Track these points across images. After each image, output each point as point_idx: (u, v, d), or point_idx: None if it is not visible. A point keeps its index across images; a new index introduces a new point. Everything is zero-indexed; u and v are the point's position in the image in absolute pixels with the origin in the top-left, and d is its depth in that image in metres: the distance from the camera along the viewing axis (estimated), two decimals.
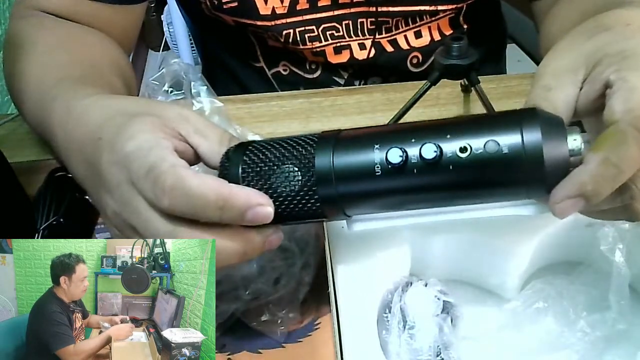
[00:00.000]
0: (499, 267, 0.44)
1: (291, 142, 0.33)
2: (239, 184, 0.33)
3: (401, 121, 0.56)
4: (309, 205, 0.32)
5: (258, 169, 0.33)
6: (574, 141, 0.30)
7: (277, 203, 0.32)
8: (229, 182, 0.32)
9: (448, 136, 0.31)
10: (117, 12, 0.61)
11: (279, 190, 0.32)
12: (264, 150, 0.33)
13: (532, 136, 0.29)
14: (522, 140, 0.29)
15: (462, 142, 0.30)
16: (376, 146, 0.31)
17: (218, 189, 0.31)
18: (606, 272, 0.42)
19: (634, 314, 0.42)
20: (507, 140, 0.30)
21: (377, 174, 0.31)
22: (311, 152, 0.32)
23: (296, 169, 0.32)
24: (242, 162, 0.33)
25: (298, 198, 0.32)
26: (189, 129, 0.35)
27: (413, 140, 0.31)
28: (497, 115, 0.32)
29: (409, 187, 0.32)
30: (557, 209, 0.31)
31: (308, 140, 0.33)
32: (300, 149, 0.33)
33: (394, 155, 0.31)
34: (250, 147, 0.34)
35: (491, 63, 0.83)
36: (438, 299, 0.41)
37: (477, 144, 0.30)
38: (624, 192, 0.31)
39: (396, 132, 0.32)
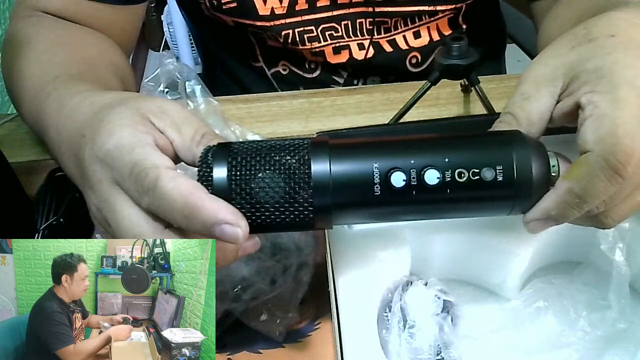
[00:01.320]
0: (499, 267, 0.44)
1: (280, 146, 0.32)
2: (222, 188, 0.31)
3: (401, 120, 0.56)
4: (301, 215, 0.32)
5: (245, 172, 0.31)
6: (553, 167, 0.34)
7: (264, 210, 0.31)
8: (208, 186, 0.31)
9: (446, 160, 0.32)
10: (117, 13, 0.61)
11: (267, 197, 0.31)
12: (251, 154, 0.32)
13: (524, 166, 0.33)
14: (515, 169, 0.33)
15: (460, 168, 0.32)
16: (375, 165, 0.32)
17: (188, 197, 0.30)
18: (606, 271, 0.42)
19: (634, 313, 0.42)
20: (502, 169, 0.32)
21: (377, 193, 0.32)
22: (306, 159, 0.32)
23: (289, 176, 0.31)
24: (227, 164, 0.32)
25: (289, 207, 0.31)
26: (166, 121, 0.34)
27: (413, 162, 0.32)
28: (490, 138, 0.34)
29: (406, 207, 0.33)
30: (527, 227, 0.36)
31: (299, 146, 0.32)
32: (293, 155, 0.32)
33: (398, 180, 0.32)
34: (234, 149, 0.32)
35: (491, 62, 0.83)
36: (438, 298, 0.41)
37: (474, 170, 0.32)
38: (591, 211, 0.35)
39: (393, 149, 0.33)
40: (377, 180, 0.32)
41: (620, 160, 0.31)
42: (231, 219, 0.30)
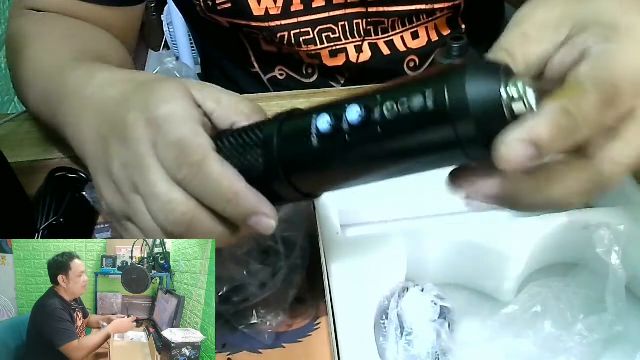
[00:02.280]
0: (495, 271, 0.44)
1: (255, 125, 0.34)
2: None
3: None
4: (256, 170, 0.32)
5: (233, 154, 0.33)
6: (514, 88, 0.26)
7: (251, 184, 0.33)
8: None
9: (378, 97, 0.28)
10: (116, 14, 0.61)
11: (245, 171, 0.32)
12: (239, 134, 0.34)
13: (457, 84, 0.26)
14: (446, 89, 0.26)
15: (387, 101, 0.28)
16: (314, 116, 0.31)
17: (234, 182, 0.31)
18: (602, 273, 0.42)
19: (631, 316, 0.42)
20: (432, 92, 0.27)
21: (314, 144, 0.31)
22: (262, 127, 0.33)
23: (252, 137, 0.33)
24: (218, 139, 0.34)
25: (258, 176, 0.32)
26: (205, 94, 0.35)
27: (343, 105, 0.30)
28: (433, 70, 0.29)
29: (343, 155, 0.30)
30: (502, 149, 0.26)
31: (264, 121, 0.34)
32: (259, 124, 0.34)
33: (323, 122, 0.30)
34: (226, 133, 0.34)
35: None
36: (435, 304, 0.41)
37: (402, 99, 0.27)
38: (586, 151, 0.29)
39: (338, 102, 0.31)
40: (313, 130, 0.31)
41: (617, 80, 0.28)
42: (269, 212, 0.32)
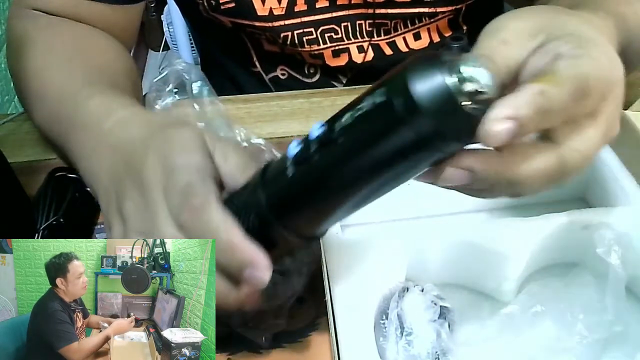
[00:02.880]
0: (495, 271, 0.44)
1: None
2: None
3: None
4: (255, 226, 0.32)
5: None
6: (461, 71, 0.26)
7: (251, 237, 0.32)
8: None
9: (339, 112, 0.29)
10: (117, 12, 0.61)
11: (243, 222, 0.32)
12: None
13: (400, 84, 0.26)
14: (392, 91, 0.26)
15: (345, 113, 0.28)
16: (290, 153, 0.31)
17: (230, 233, 0.32)
18: (602, 273, 0.42)
19: (631, 316, 0.42)
20: (383, 96, 0.26)
21: (289, 173, 0.30)
22: (253, 177, 0.33)
23: (244, 193, 0.33)
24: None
25: (248, 223, 0.32)
26: (216, 146, 0.36)
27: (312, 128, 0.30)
28: (385, 75, 0.28)
29: (319, 177, 0.30)
30: (486, 125, 0.27)
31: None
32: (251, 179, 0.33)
33: (293, 148, 0.30)
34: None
35: None
36: (435, 304, 0.41)
37: (358, 107, 0.27)
38: (552, 134, 0.30)
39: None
40: (288, 162, 0.31)
41: (589, 80, 0.30)
42: (263, 265, 0.32)
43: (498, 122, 0.27)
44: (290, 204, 0.32)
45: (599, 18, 0.37)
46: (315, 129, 0.29)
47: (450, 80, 0.25)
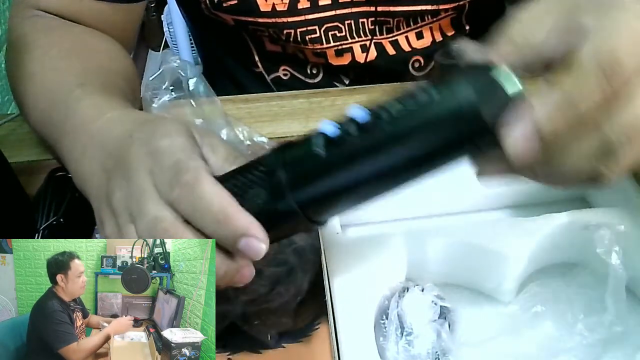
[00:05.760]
0: (495, 271, 0.45)
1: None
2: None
3: None
4: (261, 204, 0.32)
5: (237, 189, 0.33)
6: (501, 75, 0.29)
7: (259, 220, 0.32)
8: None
9: (379, 103, 0.31)
10: (118, 12, 0.61)
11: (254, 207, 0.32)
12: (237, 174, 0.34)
13: (456, 80, 0.29)
14: (440, 84, 0.29)
15: (391, 101, 0.30)
16: (313, 134, 0.31)
17: (225, 203, 0.31)
18: (602, 273, 0.42)
19: (631, 316, 0.42)
20: (439, 89, 0.29)
21: (321, 154, 0.31)
22: (263, 158, 0.33)
23: (254, 172, 0.33)
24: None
25: (253, 201, 0.32)
26: (204, 140, 0.36)
27: (346, 114, 0.31)
28: (430, 75, 0.32)
29: (358, 159, 0.30)
30: (510, 148, 0.29)
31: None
32: (259, 160, 0.33)
33: (328, 127, 0.31)
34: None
35: None
36: (435, 304, 0.41)
37: (405, 97, 0.30)
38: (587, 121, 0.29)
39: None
40: (318, 142, 0.31)
41: (619, 53, 0.28)
42: (259, 235, 0.31)
43: (520, 142, 0.29)
44: (319, 186, 0.31)
45: None
46: (356, 116, 0.30)
47: (497, 80, 0.29)
